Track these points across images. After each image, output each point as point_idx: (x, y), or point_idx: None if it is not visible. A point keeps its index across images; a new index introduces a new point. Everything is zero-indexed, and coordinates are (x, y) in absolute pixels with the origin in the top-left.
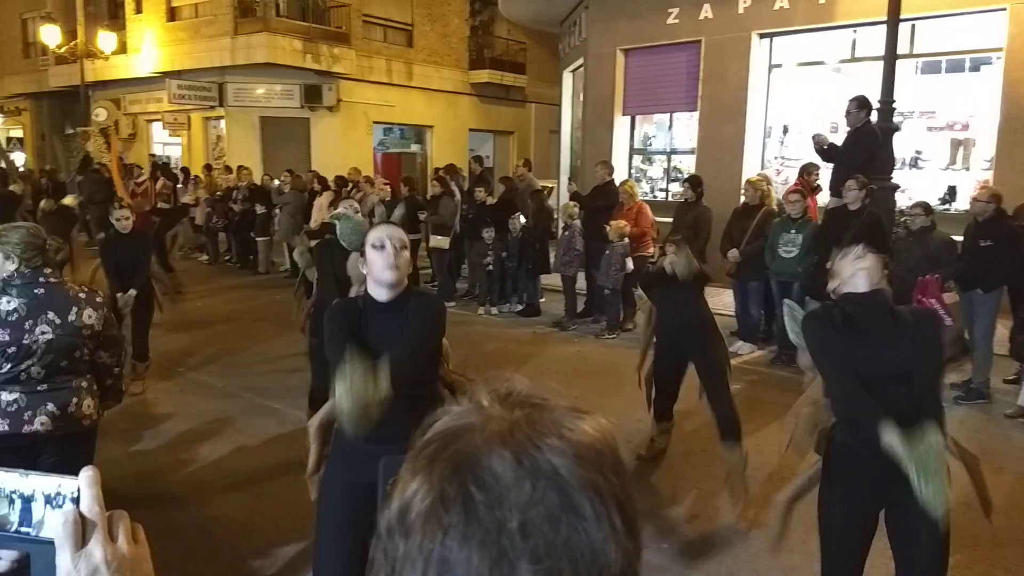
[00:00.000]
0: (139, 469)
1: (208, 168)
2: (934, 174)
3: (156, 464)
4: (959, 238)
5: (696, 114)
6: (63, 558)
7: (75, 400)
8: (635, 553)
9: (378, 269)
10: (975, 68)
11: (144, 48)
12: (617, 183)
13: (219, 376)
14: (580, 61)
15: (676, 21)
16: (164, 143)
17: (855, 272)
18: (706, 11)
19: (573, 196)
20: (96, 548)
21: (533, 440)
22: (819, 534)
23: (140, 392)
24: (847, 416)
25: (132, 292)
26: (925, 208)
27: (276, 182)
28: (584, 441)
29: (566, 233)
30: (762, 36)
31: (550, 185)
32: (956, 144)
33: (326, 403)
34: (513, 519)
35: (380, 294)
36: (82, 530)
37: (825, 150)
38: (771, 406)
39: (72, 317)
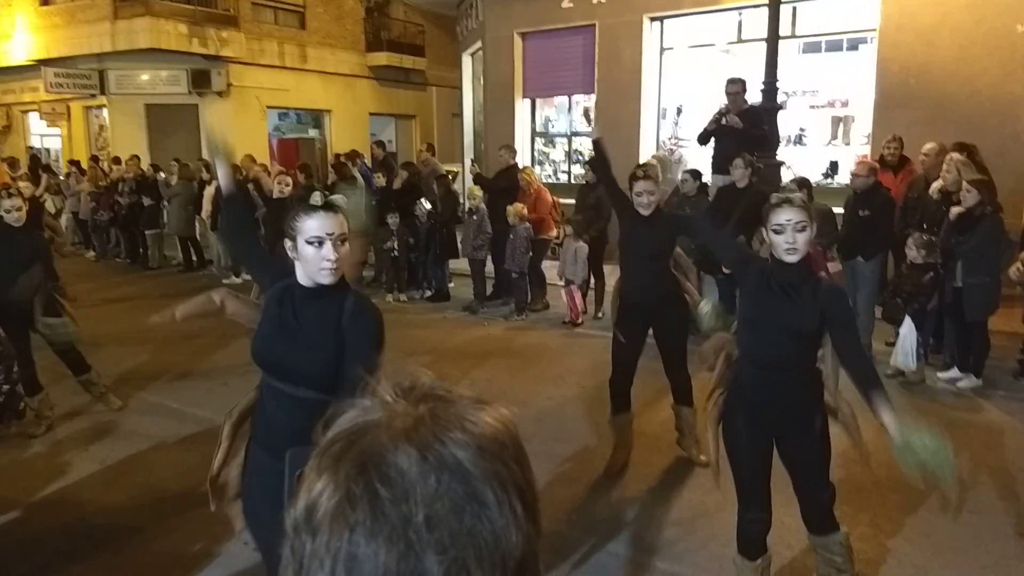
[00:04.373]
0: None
1: (95, 159)
2: (817, 150)
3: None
4: (840, 210)
5: (594, 97)
6: None
7: None
8: (535, 536)
9: (313, 269)
10: (852, 48)
11: (16, 35)
12: (520, 167)
13: (168, 395)
14: (479, 44)
15: (570, 5)
16: (42, 134)
17: (781, 241)
18: None
19: (476, 179)
20: None
21: (437, 435)
22: (728, 456)
23: (115, 406)
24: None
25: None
26: (800, 183)
27: (162, 175)
28: (486, 433)
29: (474, 218)
30: (653, 19)
31: (455, 169)
32: (836, 121)
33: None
34: (419, 513)
35: (308, 283)
36: None
37: (708, 132)
38: None
39: None
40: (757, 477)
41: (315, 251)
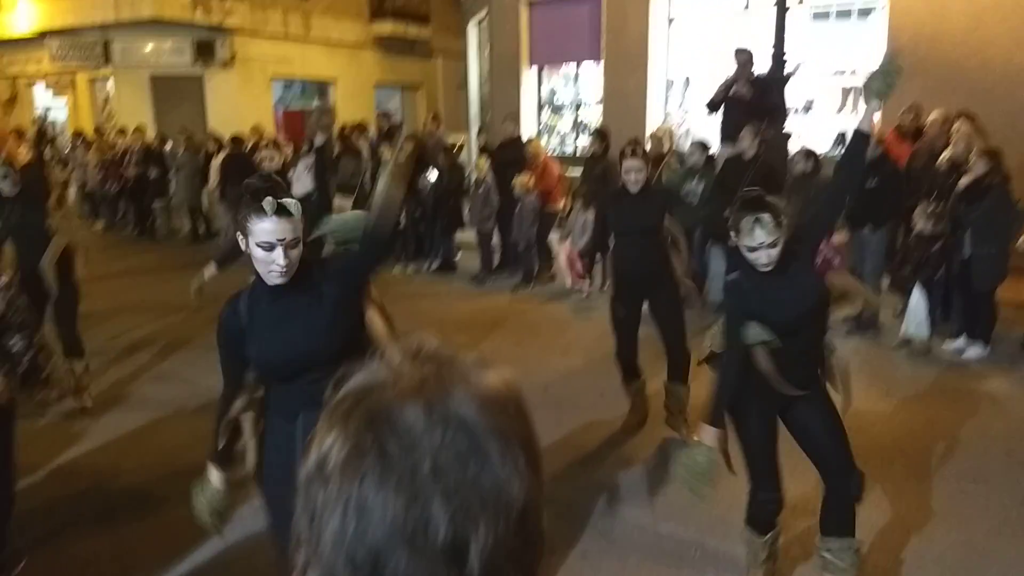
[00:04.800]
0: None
1: (99, 131)
2: (826, 120)
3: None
4: None
5: (601, 65)
6: None
7: None
8: (537, 487)
9: (262, 270)
10: (863, 15)
11: (20, 5)
12: (524, 139)
13: (178, 364)
14: (484, 12)
15: None
16: (48, 106)
17: (755, 261)
18: None
19: (483, 150)
20: None
21: (442, 392)
22: (736, 435)
23: (85, 406)
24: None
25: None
26: (806, 154)
27: (168, 145)
28: (489, 390)
29: (480, 189)
30: None
31: (461, 140)
32: (846, 91)
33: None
34: (425, 463)
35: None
36: None
37: (717, 101)
38: None
39: None
40: (767, 455)
41: (265, 254)
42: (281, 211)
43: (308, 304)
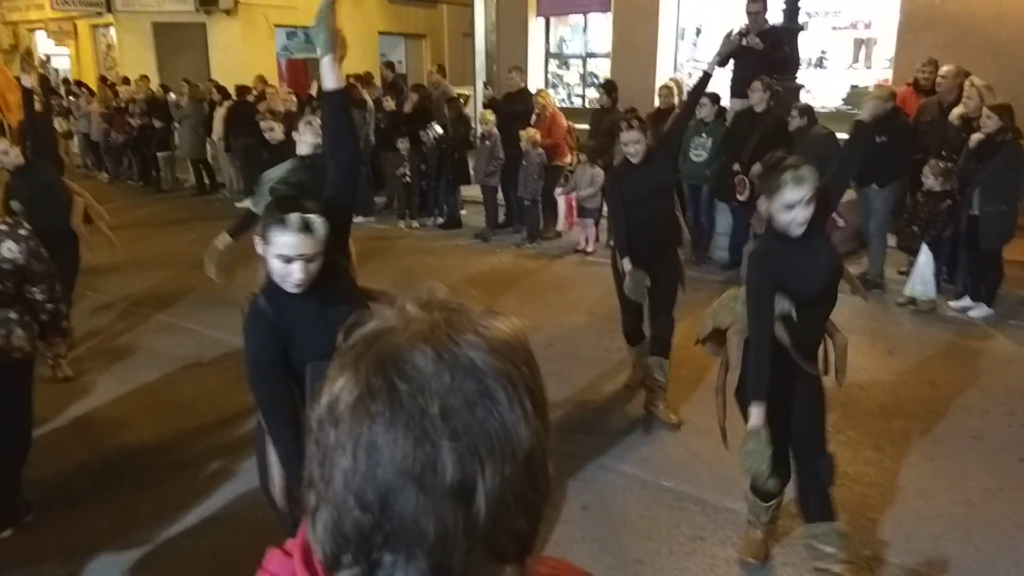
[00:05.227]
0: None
1: (104, 80)
2: (838, 73)
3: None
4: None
5: (610, 15)
6: None
7: (3, 332)
8: (543, 432)
9: (278, 278)
10: None
11: None
12: (532, 90)
13: (185, 317)
14: None
15: None
16: (50, 54)
17: (791, 221)
18: None
19: (489, 103)
20: None
21: (451, 337)
22: (742, 416)
23: (67, 375)
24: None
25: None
26: (801, 110)
27: (172, 96)
28: (498, 336)
29: (486, 143)
30: None
31: (466, 92)
32: (859, 43)
33: None
34: (434, 405)
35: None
36: None
37: (725, 55)
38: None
39: None
40: (777, 431)
41: (282, 266)
42: (305, 228)
43: (327, 301)
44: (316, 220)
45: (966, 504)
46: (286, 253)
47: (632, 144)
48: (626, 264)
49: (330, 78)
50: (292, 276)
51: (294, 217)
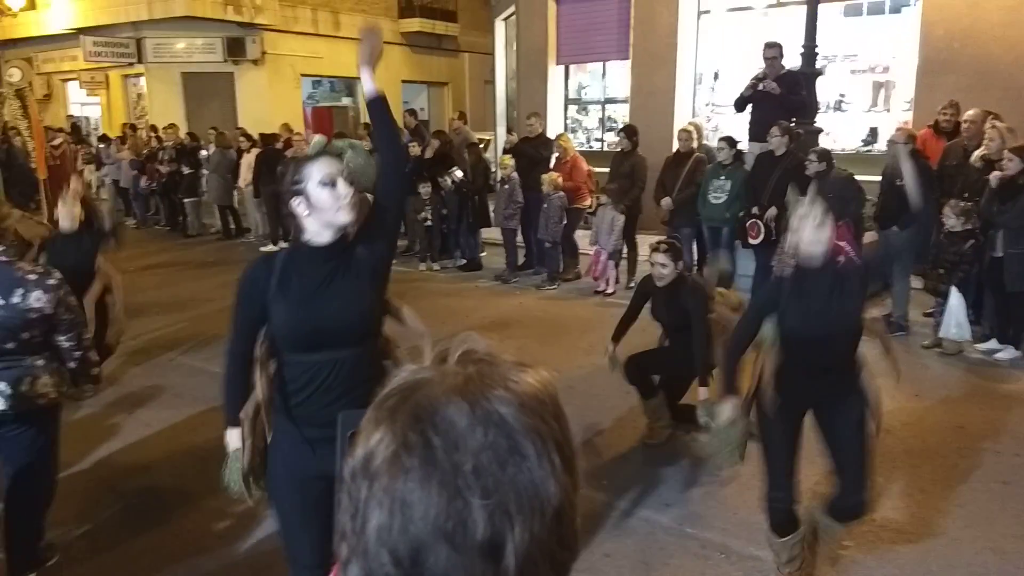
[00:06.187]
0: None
1: (132, 128)
2: (857, 116)
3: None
4: (879, 178)
5: (628, 62)
6: None
7: (29, 379)
8: (572, 487)
9: (331, 211)
10: (895, 10)
11: (54, 3)
12: (552, 136)
13: (208, 360)
14: (512, 9)
15: None
16: (82, 103)
17: (814, 242)
18: None
19: (510, 149)
20: None
21: (484, 392)
22: (760, 436)
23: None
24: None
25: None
26: (819, 155)
27: (203, 152)
28: (527, 391)
29: (506, 187)
30: None
31: (487, 138)
32: (878, 86)
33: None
34: (468, 462)
35: (324, 237)
36: None
37: (745, 98)
38: None
39: (16, 299)
40: (785, 455)
41: (330, 192)
42: (331, 151)
43: (344, 272)
44: (342, 146)
45: (998, 553)
46: (327, 172)
47: (659, 267)
48: (609, 346)
49: (368, 88)
50: (341, 196)
51: (317, 139)
